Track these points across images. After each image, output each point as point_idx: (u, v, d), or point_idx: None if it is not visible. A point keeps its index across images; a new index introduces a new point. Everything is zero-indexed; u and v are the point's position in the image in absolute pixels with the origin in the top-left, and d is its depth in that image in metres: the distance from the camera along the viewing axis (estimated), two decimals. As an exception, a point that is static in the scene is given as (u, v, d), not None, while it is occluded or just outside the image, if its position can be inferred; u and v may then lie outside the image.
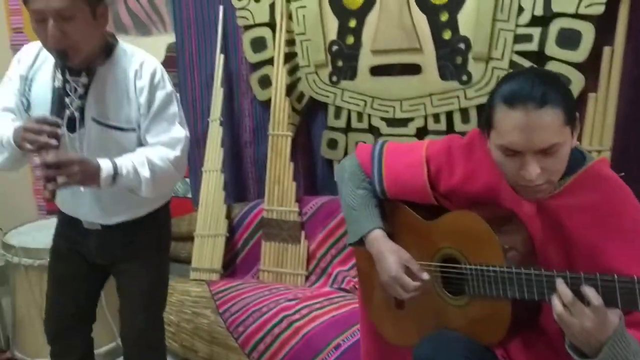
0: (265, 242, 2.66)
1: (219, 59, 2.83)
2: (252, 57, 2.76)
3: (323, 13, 2.57)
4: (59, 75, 1.47)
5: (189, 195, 3.15)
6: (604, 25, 2.09)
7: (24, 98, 1.61)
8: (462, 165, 1.37)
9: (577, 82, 2.15)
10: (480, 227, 1.27)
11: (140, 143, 1.62)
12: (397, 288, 1.37)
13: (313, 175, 2.81)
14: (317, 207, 2.61)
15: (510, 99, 1.15)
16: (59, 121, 1.42)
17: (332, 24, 2.56)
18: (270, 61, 2.72)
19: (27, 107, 1.61)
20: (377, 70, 2.51)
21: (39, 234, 2.56)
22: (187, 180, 3.12)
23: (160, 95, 1.59)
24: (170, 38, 3.04)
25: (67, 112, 1.53)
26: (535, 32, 2.20)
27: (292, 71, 2.71)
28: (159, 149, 1.59)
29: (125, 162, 1.52)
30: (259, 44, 2.73)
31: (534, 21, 2.20)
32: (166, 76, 1.65)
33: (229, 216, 2.77)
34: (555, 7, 2.14)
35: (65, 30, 1.43)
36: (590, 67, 2.13)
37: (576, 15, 2.11)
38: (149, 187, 1.56)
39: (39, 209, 3.63)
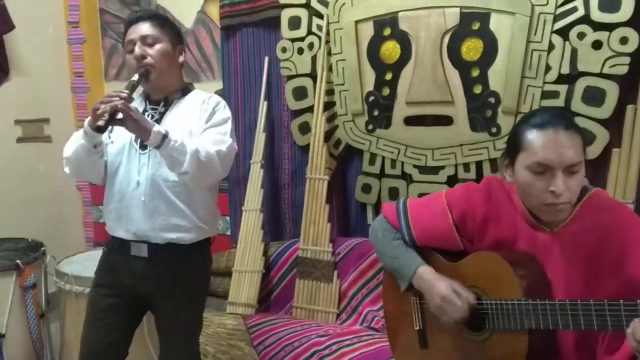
0: (299, 279, 2.78)
1: (263, 106, 3.03)
2: (294, 105, 2.95)
3: (361, 66, 2.75)
4: (138, 76, 1.78)
5: (228, 233, 3.32)
6: (628, 84, 2.21)
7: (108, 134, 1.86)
8: (483, 208, 1.50)
9: (601, 137, 2.26)
10: (500, 265, 1.39)
11: None
12: (447, 308, 1.45)
13: (346, 218, 2.94)
14: (350, 248, 2.73)
15: (541, 124, 1.33)
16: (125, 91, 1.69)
17: (370, 76, 2.74)
18: (309, 109, 2.90)
19: (111, 130, 1.83)
20: (411, 121, 2.66)
21: (90, 264, 2.72)
22: (227, 218, 3.29)
23: (219, 115, 1.86)
24: (217, 85, 3.26)
25: None
26: (562, 89, 2.33)
27: (331, 119, 2.88)
28: (206, 142, 1.77)
29: (176, 134, 1.70)
30: (300, 93, 2.92)
31: (561, 79, 2.33)
32: (227, 108, 1.91)
33: (265, 254, 2.91)
34: (581, 67, 2.27)
35: (147, 52, 1.81)
36: (615, 124, 2.24)
37: (601, 75, 2.24)
38: (193, 162, 1.67)
39: (87, 241, 3.84)
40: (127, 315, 1.93)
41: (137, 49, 1.81)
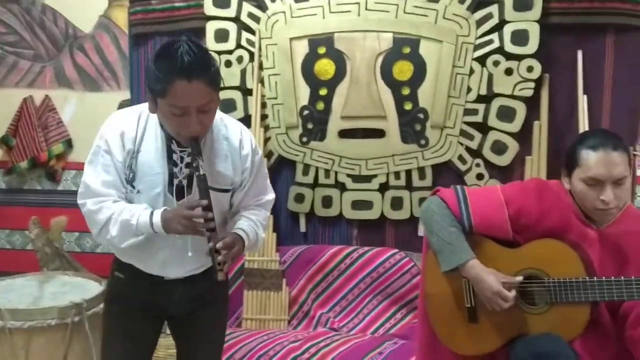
0: (247, 291, 2.78)
1: (186, 118, 2.94)
2: (221, 117, 2.93)
3: (295, 81, 2.87)
4: (201, 162, 1.55)
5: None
6: (533, 104, 2.73)
7: (128, 170, 1.62)
8: (537, 205, 1.78)
9: (512, 147, 2.75)
10: (563, 249, 1.71)
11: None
12: (499, 300, 1.71)
13: (277, 227, 3.00)
14: (296, 255, 2.82)
15: (594, 145, 1.67)
16: (209, 205, 1.54)
17: (304, 91, 2.88)
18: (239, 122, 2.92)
19: (132, 179, 1.62)
20: (345, 133, 2.87)
21: (13, 296, 2.39)
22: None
23: (258, 158, 1.77)
24: (123, 95, 3.08)
25: (176, 181, 1.62)
26: (480, 107, 2.77)
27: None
28: (260, 212, 1.80)
29: (250, 230, 1.69)
30: (228, 106, 2.91)
31: (479, 99, 2.77)
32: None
33: (202, 268, 2.83)
34: (496, 89, 2.74)
35: (203, 121, 1.54)
36: (525, 136, 2.75)
37: (512, 96, 2.73)
38: (261, 243, 1.83)
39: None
40: (156, 334, 1.85)
41: (195, 121, 1.51)
